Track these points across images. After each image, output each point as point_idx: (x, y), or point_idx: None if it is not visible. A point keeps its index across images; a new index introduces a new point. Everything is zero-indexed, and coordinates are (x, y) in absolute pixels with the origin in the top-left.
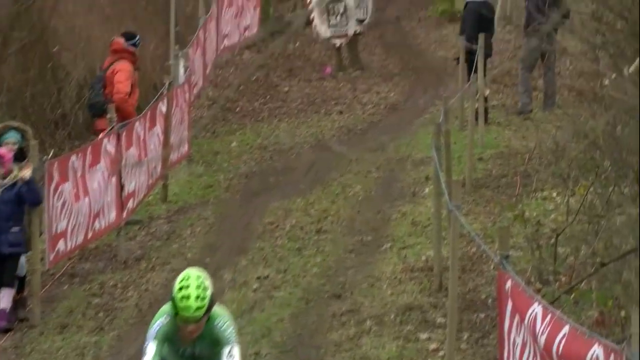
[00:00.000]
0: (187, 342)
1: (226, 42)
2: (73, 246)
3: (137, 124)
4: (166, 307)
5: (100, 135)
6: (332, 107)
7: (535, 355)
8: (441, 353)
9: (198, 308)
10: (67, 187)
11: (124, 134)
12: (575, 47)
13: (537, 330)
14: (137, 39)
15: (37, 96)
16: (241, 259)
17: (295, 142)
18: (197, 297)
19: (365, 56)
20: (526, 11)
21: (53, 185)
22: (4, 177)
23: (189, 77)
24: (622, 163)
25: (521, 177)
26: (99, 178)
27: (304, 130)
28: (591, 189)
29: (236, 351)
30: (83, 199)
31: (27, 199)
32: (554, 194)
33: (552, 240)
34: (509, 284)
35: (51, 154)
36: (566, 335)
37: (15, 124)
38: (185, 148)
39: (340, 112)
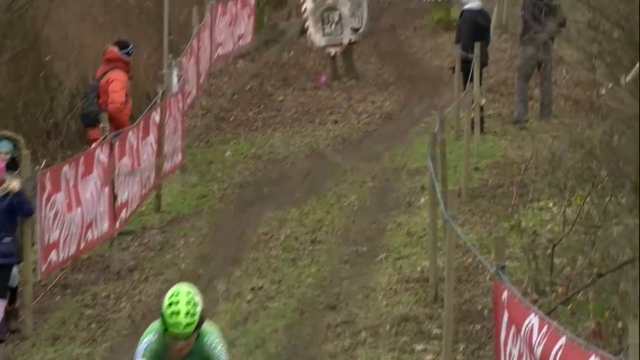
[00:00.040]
0: None
1: (220, 51)
2: (65, 257)
3: (130, 133)
4: (155, 324)
5: (93, 145)
6: (326, 116)
7: None
8: None
9: (188, 324)
10: (60, 197)
11: (117, 143)
12: (572, 56)
13: (534, 342)
14: (130, 47)
15: (29, 105)
16: (235, 270)
17: (289, 152)
18: (187, 313)
19: (360, 65)
20: (522, 20)
21: (45, 196)
22: None
23: (183, 86)
24: (619, 173)
25: (517, 187)
26: (91, 188)
27: (299, 139)
28: (588, 199)
29: None
30: (75, 209)
31: (19, 210)
32: (551, 204)
33: (549, 251)
34: (505, 294)
35: (43, 163)
36: (563, 347)
37: (7, 133)
38: (178, 158)
39: (335, 122)
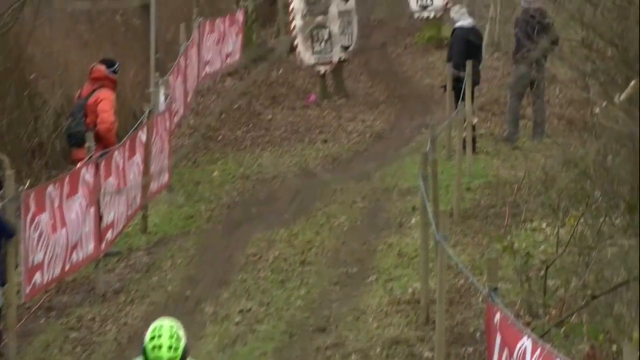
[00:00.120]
0: None
1: (208, 69)
2: (50, 279)
3: (116, 153)
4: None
5: (79, 165)
6: (316, 135)
7: None
8: None
9: (170, 359)
10: (44, 217)
11: (103, 163)
12: (565, 75)
13: None
14: (116, 65)
15: (13, 124)
16: (223, 292)
17: (278, 172)
18: (170, 347)
19: (350, 83)
20: (515, 38)
21: (29, 216)
22: None
23: (170, 104)
24: (613, 193)
25: (510, 208)
26: (76, 208)
27: (288, 159)
28: (581, 219)
29: None
30: (60, 230)
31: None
32: (544, 225)
33: (542, 272)
34: (497, 316)
35: (27, 183)
36: None
37: None
38: (165, 177)
39: (325, 141)
